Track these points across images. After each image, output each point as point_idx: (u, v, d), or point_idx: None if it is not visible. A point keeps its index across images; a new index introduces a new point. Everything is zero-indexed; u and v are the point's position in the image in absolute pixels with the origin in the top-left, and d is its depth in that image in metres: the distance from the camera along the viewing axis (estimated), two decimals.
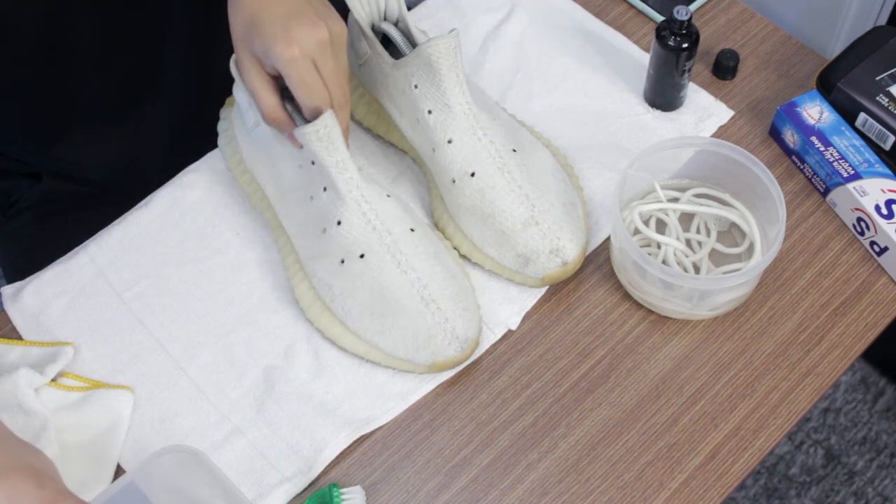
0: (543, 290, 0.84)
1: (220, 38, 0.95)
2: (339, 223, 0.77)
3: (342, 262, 0.77)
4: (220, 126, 0.89)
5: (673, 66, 0.87)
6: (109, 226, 0.88)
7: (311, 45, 0.72)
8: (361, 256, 0.77)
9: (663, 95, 0.91)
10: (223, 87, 0.98)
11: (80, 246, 0.88)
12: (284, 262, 0.83)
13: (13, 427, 0.75)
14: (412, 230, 0.78)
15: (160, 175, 0.91)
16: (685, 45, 0.85)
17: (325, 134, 0.74)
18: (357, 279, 0.77)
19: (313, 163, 0.77)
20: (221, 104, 0.95)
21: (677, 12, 0.84)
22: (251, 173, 0.85)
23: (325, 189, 0.77)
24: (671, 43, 0.85)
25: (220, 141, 0.88)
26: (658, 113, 0.93)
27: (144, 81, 0.93)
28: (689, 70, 0.88)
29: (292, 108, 0.79)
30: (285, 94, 0.79)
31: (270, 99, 0.75)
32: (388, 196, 0.79)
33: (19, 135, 0.94)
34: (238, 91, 0.82)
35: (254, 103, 0.78)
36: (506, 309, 0.83)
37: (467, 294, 0.79)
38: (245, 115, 0.83)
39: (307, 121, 0.76)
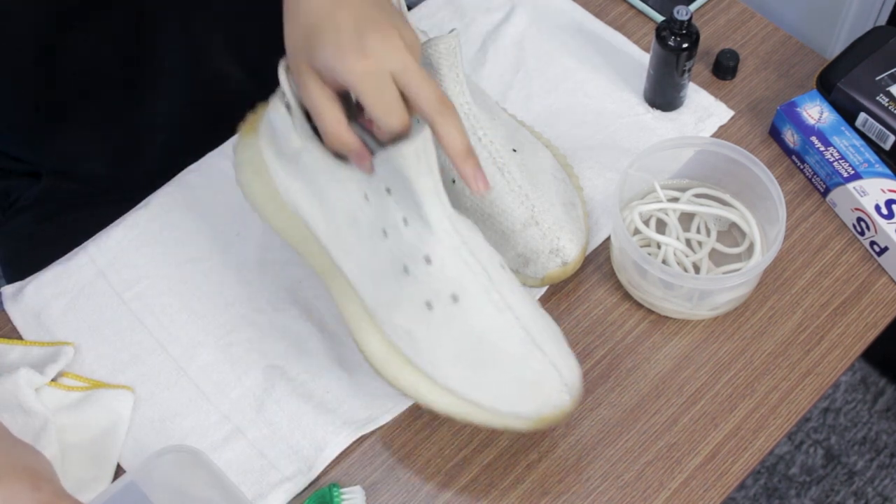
0: (543, 290, 0.84)
1: (220, 37, 0.95)
2: (427, 260, 0.66)
3: (429, 306, 0.67)
4: (241, 156, 0.73)
5: (673, 66, 0.87)
6: (109, 226, 0.88)
7: (388, 55, 0.62)
8: (453, 298, 0.66)
9: (663, 95, 0.91)
10: (223, 88, 0.98)
11: (80, 246, 0.88)
12: (344, 312, 0.70)
13: (13, 427, 0.75)
14: (502, 266, 0.69)
15: (160, 175, 0.91)
16: (685, 45, 0.85)
17: (424, 153, 0.63)
18: (447, 325, 0.67)
19: (389, 191, 0.65)
20: (221, 104, 0.94)
21: (677, 12, 0.84)
22: (291, 209, 0.71)
23: (405, 221, 0.66)
24: (671, 43, 0.85)
25: (242, 175, 0.73)
26: (658, 113, 0.93)
27: (143, 80, 0.93)
28: (689, 70, 0.88)
29: (358, 128, 0.68)
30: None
31: (336, 116, 0.64)
32: (474, 227, 0.69)
33: (16, 129, 0.94)
34: (276, 111, 0.69)
35: (298, 124, 0.68)
36: None
37: (562, 336, 0.71)
38: (284, 138, 0.69)
39: (378, 142, 0.66)
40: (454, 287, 0.67)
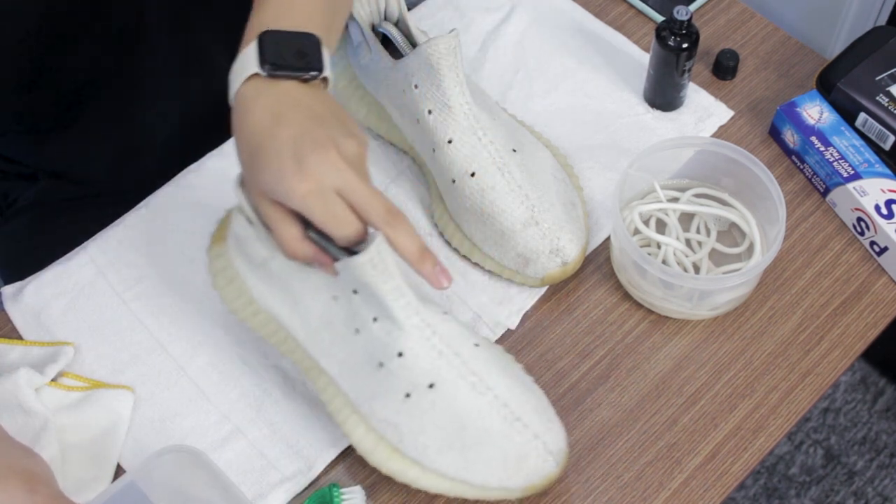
0: (543, 290, 0.84)
1: (220, 37, 0.95)
2: (400, 355, 0.68)
3: (407, 396, 0.69)
4: (214, 266, 0.77)
5: (673, 66, 0.87)
6: (109, 226, 0.88)
7: (328, 173, 0.63)
8: (430, 386, 0.69)
9: (663, 95, 0.91)
10: (223, 87, 0.98)
11: (80, 246, 0.88)
12: (329, 406, 0.73)
13: (13, 427, 0.75)
14: (476, 345, 0.71)
15: (160, 175, 0.91)
16: (685, 45, 0.85)
17: (380, 261, 0.65)
18: (428, 412, 0.69)
19: (356, 292, 0.68)
20: (222, 104, 0.94)
21: (677, 12, 0.84)
22: (267, 313, 0.74)
23: (375, 319, 0.68)
24: (671, 43, 0.85)
25: (216, 283, 0.77)
26: (658, 113, 0.93)
27: (143, 80, 0.93)
28: (689, 70, 0.88)
29: (316, 235, 0.69)
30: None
31: (290, 232, 0.65)
32: (446, 313, 0.71)
33: (15, 131, 0.94)
34: (238, 222, 0.72)
35: (262, 235, 0.71)
36: (505, 308, 0.83)
37: (545, 403, 0.73)
38: (250, 249, 0.72)
39: (337, 245, 0.68)
40: (430, 376, 0.69)
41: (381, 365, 0.69)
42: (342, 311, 0.70)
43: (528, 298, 0.83)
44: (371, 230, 0.66)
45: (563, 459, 0.72)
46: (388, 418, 0.70)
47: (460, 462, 0.70)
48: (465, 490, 0.71)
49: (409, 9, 0.94)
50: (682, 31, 0.85)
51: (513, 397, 0.70)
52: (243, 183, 0.69)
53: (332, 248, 0.69)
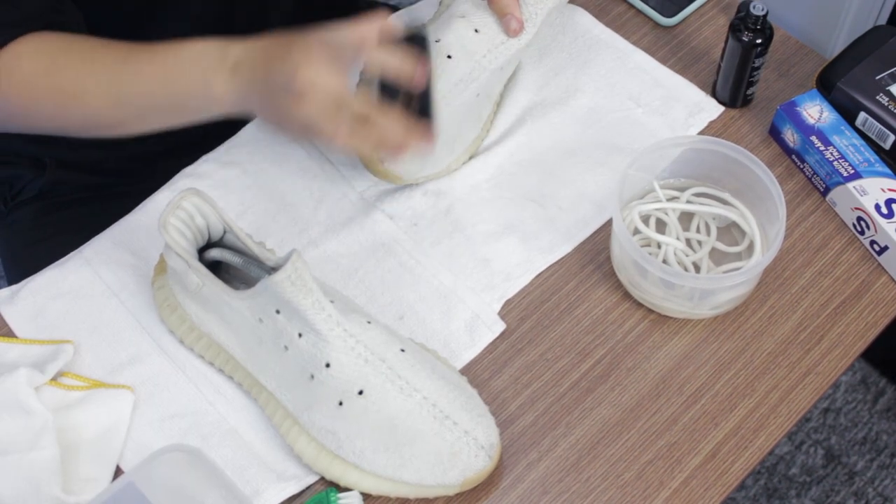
0: (530, 278, 0.84)
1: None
2: (327, 366, 0.72)
3: (340, 404, 0.72)
4: (158, 297, 0.81)
5: (744, 61, 0.86)
6: (106, 230, 0.88)
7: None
8: (360, 393, 0.72)
9: (734, 89, 0.90)
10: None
11: (76, 250, 0.87)
12: (273, 419, 0.76)
13: (13, 427, 0.74)
14: (403, 350, 0.74)
15: (166, 173, 0.91)
16: (759, 41, 0.85)
17: (297, 277, 0.70)
18: (361, 417, 0.72)
19: (278, 311, 0.72)
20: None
21: (753, 7, 0.83)
22: (208, 337, 0.78)
23: (300, 335, 0.72)
24: (745, 38, 0.84)
25: (162, 313, 0.81)
26: (648, 108, 0.92)
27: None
28: (760, 67, 0.87)
29: (243, 259, 0.77)
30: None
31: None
32: (369, 322, 0.74)
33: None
34: (172, 256, 0.75)
35: (193, 266, 0.74)
36: (497, 303, 0.83)
37: (476, 400, 0.75)
38: (185, 278, 0.76)
39: (262, 268, 0.73)
40: (358, 384, 0.72)
41: (312, 377, 0.73)
42: (269, 330, 0.74)
43: (510, 288, 0.83)
44: (285, 256, 0.71)
45: (495, 453, 0.74)
46: (326, 426, 0.73)
47: (396, 462, 0.73)
48: (403, 489, 0.74)
49: (403, 6, 0.93)
50: (757, 27, 0.84)
51: (441, 396, 0.73)
52: (165, 224, 0.74)
53: (253, 269, 0.76)
